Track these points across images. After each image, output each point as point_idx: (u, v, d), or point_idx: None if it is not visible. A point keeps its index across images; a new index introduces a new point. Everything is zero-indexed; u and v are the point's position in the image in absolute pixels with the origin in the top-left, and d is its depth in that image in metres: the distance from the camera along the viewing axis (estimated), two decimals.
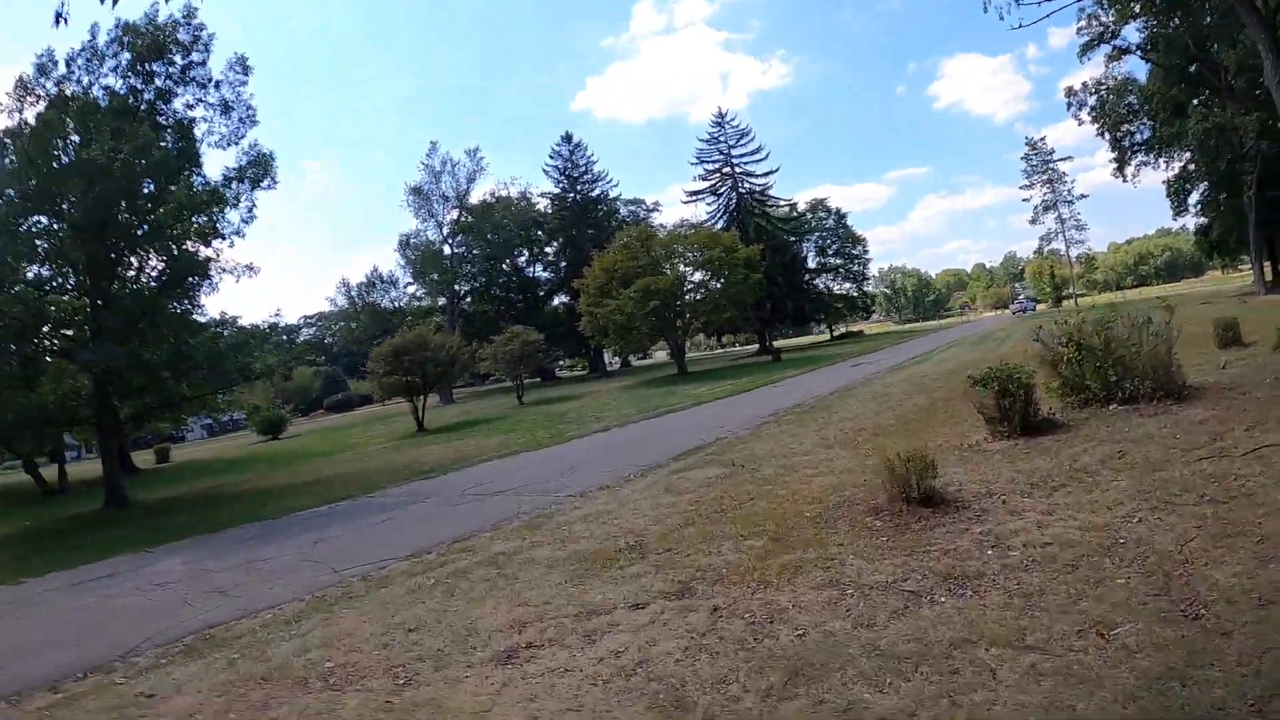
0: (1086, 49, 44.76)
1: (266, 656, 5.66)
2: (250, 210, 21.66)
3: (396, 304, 67.05)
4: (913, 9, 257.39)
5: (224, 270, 21.34)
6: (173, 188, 19.14)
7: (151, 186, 18.78)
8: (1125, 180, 49.02)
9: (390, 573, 7.84)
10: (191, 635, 6.63)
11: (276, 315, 22.84)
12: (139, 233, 18.95)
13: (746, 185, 69.48)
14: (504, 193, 67.27)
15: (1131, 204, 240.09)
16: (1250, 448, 6.40)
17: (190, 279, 20.25)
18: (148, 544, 12.29)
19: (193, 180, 20.26)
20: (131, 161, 17.17)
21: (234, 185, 20.76)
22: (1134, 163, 48.68)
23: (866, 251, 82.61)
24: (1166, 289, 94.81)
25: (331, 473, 20.66)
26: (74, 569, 10.88)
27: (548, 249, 72.18)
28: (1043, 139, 61.47)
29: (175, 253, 19.90)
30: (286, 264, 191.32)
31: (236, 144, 21.58)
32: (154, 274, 20.33)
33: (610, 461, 13.80)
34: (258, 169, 21.14)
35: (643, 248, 43.77)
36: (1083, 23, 43.77)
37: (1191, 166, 45.09)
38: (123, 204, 18.01)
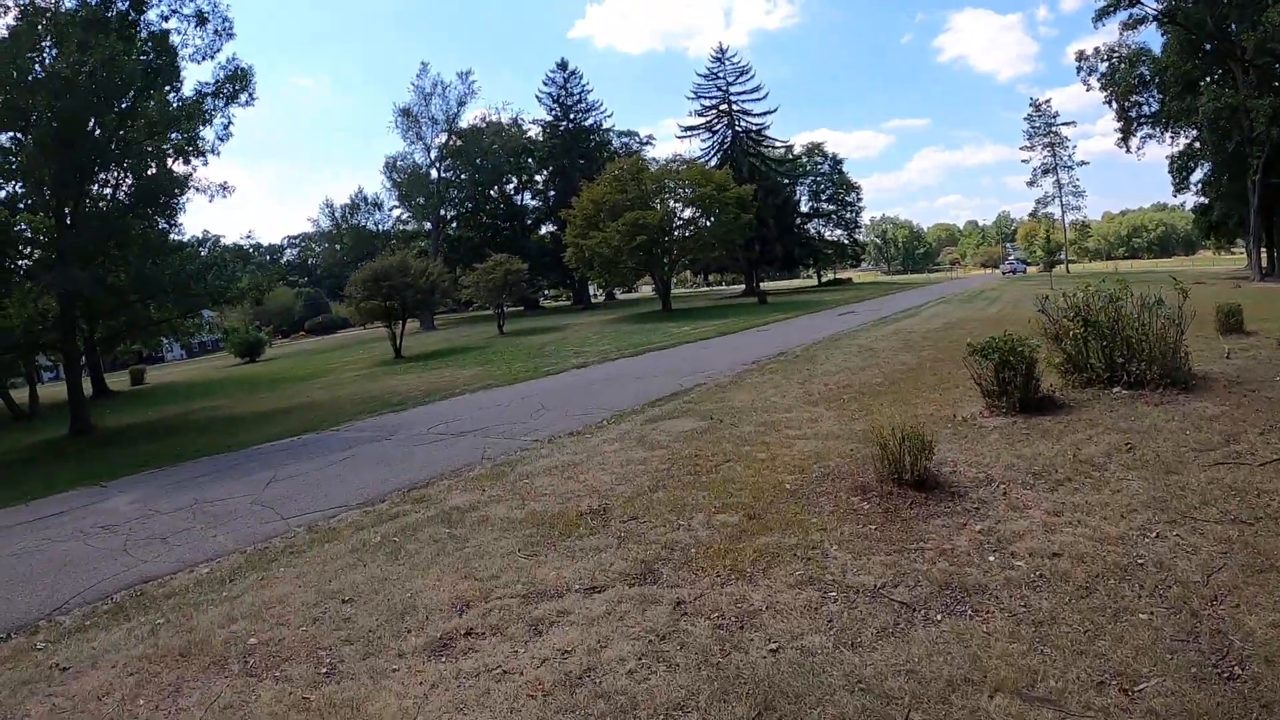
0: (1103, 14, 43.48)
1: (191, 625, 5.14)
2: (226, 127, 20.64)
3: (380, 227, 65.65)
4: None
5: (196, 189, 20.42)
6: (151, 103, 18.07)
7: (124, 103, 17.69)
8: (1129, 151, 48.50)
9: (338, 524, 7.31)
10: (123, 591, 6.15)
11: (248, 236, 22.06)
12: (112, 149, 17.91)
13: (743, 124, 67.96)
14: (495, 118, 65.48)
15: (1128, 176, 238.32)
16: (1269, 457, 5.88)
17: (160, 199, 19.25)
18: (105, 477, 11.85)
19: (168, 96, 19.10)
20: (99, 75, 16.07)
21: (208, 101, 19.63)
22: (1139, 134, 47.95)
23: (860, 199, 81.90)
24: (1157, 264, 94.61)
25: (301, 400, 20.14)
26: (25, 504, 10.39)
27: (537, 177, 70.77)
28: (1047, 101, 60.44)
29: (153, 170, 18.91)
30: (273, 182, 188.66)
31: (212, 58, 20.38)
32: (126, 193, 19.34)
33: (585, 402, 13.29)
34: (234, 84, 20.04)
35: (633, 181, 42.68)
36: None
37: (1198, 144, 44.29)
38: (91, 120, 16.97)
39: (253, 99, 20.52)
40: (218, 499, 9.21)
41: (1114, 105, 47.31)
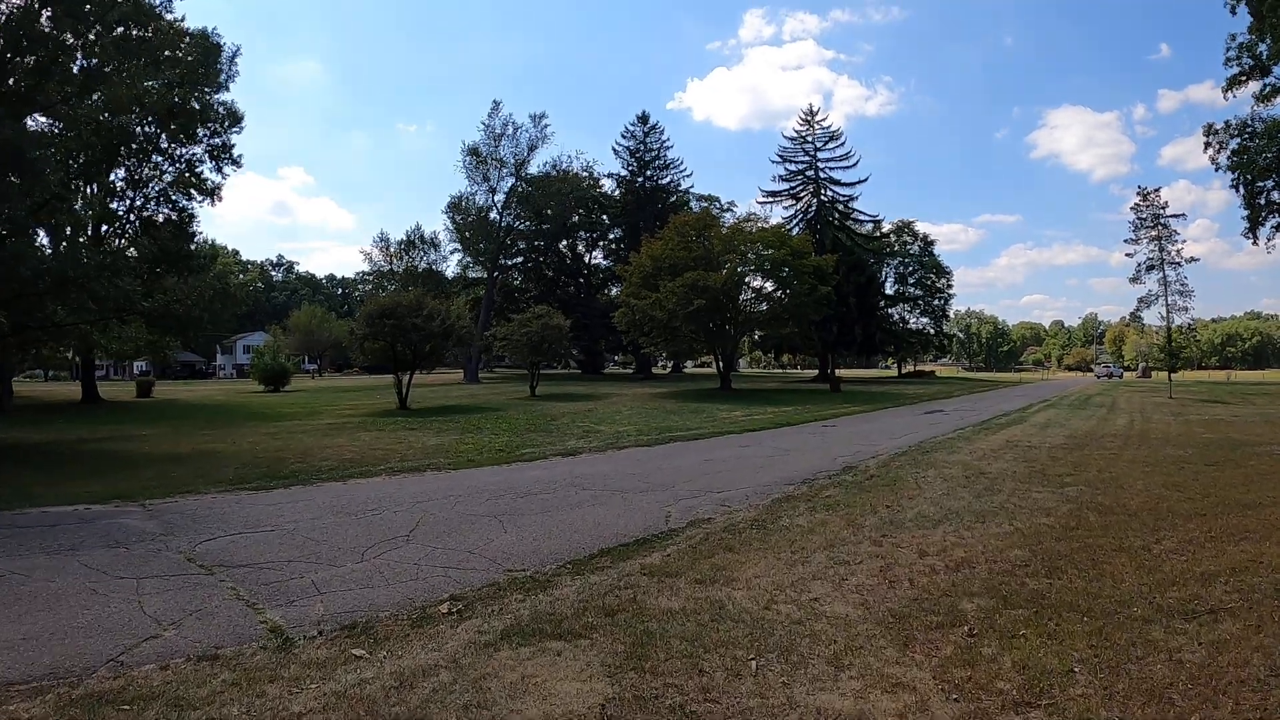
0: (1233, 83, 37.31)
1: None
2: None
3: (434, 267, 62.18)
4: (1025, 51, 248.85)
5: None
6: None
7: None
8: (1256, 243, 40.92)
9: None
10: None
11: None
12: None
13: (830, 192, 63.14)
14: (566, 167, 61.64)
15: (1219, 281, 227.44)
16: None
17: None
18: None
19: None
20: None
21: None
22: (1269, 224, 40.48)
23: (950, 286, 75.45)
24: (1265, 375, 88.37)
25: (215, 448, 16.31)
26: None
27: (610, 234, 66.71)
28: (1155, 191, 53.04)
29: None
30: (375, 222, 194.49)
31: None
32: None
33: (487, 538, 7.65)
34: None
35: (698, 238, 37.64)
36: (1232, 53, 36.78)
37: None
38: None
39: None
40: None
41: (1241, 190, 40.29)
